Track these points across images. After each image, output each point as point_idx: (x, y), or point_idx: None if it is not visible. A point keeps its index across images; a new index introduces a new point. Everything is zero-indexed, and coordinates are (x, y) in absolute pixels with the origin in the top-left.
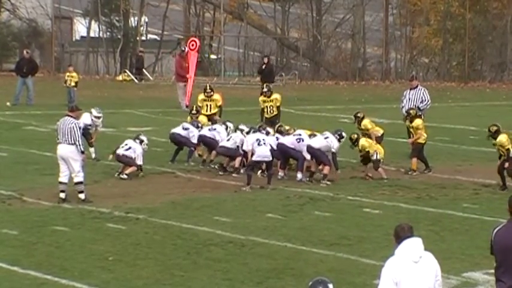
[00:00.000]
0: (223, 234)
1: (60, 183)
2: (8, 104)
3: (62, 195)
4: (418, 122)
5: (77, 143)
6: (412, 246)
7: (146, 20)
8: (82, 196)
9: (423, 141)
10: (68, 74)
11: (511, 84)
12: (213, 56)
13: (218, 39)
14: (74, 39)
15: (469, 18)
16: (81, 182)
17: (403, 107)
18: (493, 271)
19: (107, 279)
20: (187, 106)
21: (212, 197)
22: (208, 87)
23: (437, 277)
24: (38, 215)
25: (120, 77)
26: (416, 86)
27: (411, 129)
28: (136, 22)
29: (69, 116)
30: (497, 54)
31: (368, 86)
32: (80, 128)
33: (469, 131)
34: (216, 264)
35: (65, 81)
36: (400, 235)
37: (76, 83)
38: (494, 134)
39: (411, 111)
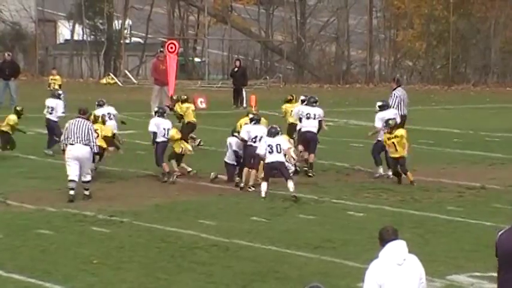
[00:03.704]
0: (208, 238)
1: (71, 181)
2: None
3: (72, 192)
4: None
5: (92, 144)
6: (396, 249)
7: (130, 23)
8: (87, 192)
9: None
10: (51, 77)
11: (495, 87)
12: (197, 59)
13: (202, 42)
14: (57, 42)
15: (453, 22)
16: (89, 181)
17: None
18: (477, 274)
19: (91, 282)
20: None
21: (196, 200)
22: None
23: (421, 280)
24: (22, 218)
25: (104, 80)
26: (394, 89)
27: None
28: (120, 25)
29: (81, 117)
30: (481, 57)
31: (352, 89)
32: (94, 130)
33: (453, 133)
34: (200, 267)
35: (49, 85)
36: (385, 238)
37: (60, 86)
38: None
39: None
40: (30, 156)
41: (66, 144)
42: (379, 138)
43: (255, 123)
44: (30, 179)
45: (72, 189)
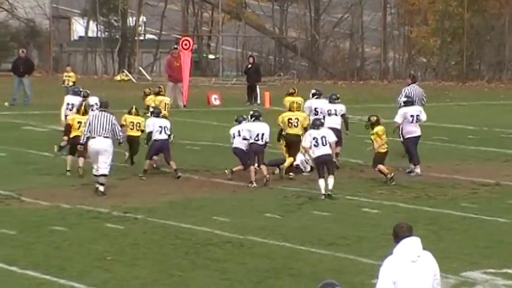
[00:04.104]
0: (222, 234)
1: (96, 175)
2: (6, 104)
3: (101, 188)
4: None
5: (117, 135)
6: (411, 245)
7: (144, 19)
8: (102, 188)
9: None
10: (65, 74)
11: (509, 83)
12: (211, 56)
13: (216, 39)
14: (72, 39)
15: (467, 18)
16: (106, 175)
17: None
18: (491, 270)
19: (105, 279)
20: (184, 106)
21: (210, 197)
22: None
23: (435, 276)
24: (36, 215)
25: (118, 77)
26: (409, 85)
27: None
28: (134, 22)
29: (103, 111)
30: (496, 53)
31: (366, 85)
32: (117, 121)
33: (467, 130)
34: (215, 264)
35: (63, 81)
36: (399, 234)
37: (74, 82)
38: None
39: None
40: (44, 153)
41: (88, 138)
42: (413, 135)
43: (254, 121)
44: (44, 175)
45: (102, 184)
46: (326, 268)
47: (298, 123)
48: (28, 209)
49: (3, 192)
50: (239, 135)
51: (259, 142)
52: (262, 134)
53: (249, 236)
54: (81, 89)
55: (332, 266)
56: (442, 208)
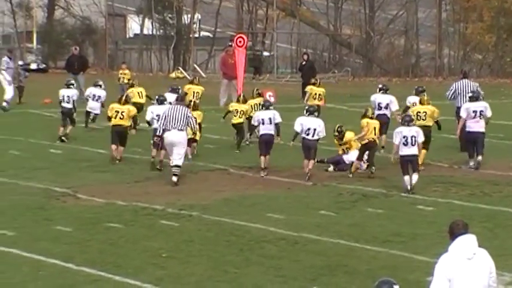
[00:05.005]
0: (276, 231)
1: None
2: None
3: (175, 178)
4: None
5: (193, 128)
6: (466, 243)
7: (199, 17)
8: (175, 179)
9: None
10: (121, 71)
11: None
12: (265, 53)
13: (271, 36)
14: (127, 36)
15: None
16: (179, 166)
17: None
18: None
19: (160, 275)
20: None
21: (265, 194)
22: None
23: (491, 274)
24: (91, 212)
25: (173, 74)
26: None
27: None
28: (189, 19)
29: (178, 104)
30: None
31: (421, 82)
32: (192, 115)
33: None
34: (269, 261)
35: (118, 79)
36: (455, 232)
37: (129, 80)
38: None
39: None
40: (99, 150)
41: (163, 130)
42: (469, 130)
43: (309, 115)
44: (100, 172)
45: (175, 174)
46: (381, 265)
47: (426, 116)
48: (84, 206)
49: (59, 189)
50: (270, 122)
51: (309, 137)
52: (314, 129)
53: (303, 233)
54: (179, 87)
55: (387, 263)
56: (497, 205)
